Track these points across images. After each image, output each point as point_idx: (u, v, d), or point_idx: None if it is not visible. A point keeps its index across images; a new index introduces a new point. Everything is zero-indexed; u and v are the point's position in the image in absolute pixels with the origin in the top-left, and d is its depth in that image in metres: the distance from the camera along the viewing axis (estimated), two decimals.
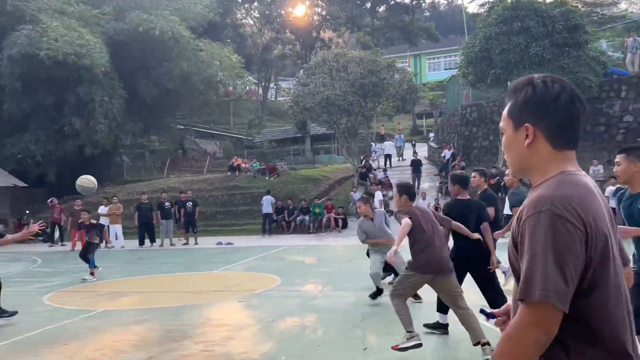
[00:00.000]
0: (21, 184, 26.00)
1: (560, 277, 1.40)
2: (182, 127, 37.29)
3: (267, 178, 25.50)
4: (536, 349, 1.43)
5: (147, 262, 14.07)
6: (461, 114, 26.15)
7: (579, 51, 19.33)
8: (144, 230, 18.90)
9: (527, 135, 1.60)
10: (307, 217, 21.31)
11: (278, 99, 58.69)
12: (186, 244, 18.85)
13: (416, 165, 24.26)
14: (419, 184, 23.84)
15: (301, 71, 27.30)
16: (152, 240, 18.82)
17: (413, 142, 32.53)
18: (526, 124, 1.60)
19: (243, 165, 27.74)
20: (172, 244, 18.65)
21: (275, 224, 21.37)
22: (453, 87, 29.68)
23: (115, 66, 26.40)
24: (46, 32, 23.34)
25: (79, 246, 18.70)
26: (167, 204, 19.14)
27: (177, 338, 6.14)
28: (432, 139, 33.98)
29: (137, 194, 24.29)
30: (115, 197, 20.26)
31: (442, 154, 24.78)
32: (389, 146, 30.56)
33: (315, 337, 6.05)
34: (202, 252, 16.27)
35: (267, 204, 20.90)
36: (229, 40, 45.00)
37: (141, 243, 18.79)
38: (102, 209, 19.42)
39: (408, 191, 5.40)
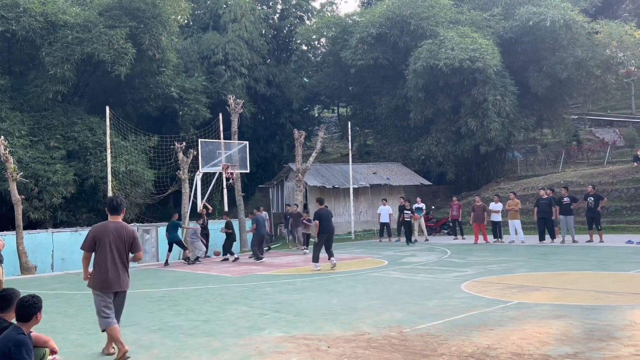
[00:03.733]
0: (426, 182, 29.28)
1: None
2: (575, 116, 35.28)
3: None
4: None
5: (550, 258, 13.99)
6: None
7: None
8: (543, 225, 18.76)
9: None
10: None
11: None
12: (590, 241, 17.86)
13: None
14: None
15: None
16: (552, 237, 18.52)
17: None
18: None
19: None
20: (574, 241, 17.97)
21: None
22: None
23: (506, 64, 27.03)
24: (443, 43, 25.65)
25: (481, 240, 20.02)
26: (565, 199, 18.54)
27: (602, 338, 6.05)
28: None
29: (533, 189, 24.29)
30: (512, 193, 20.73)
31: None
32: None
33: None
34: (609, 251, 15.18)
35: None
36: (627, 15, 40.25)
37: (541, 238, 18.72)
38: (494, 205, 20.17)
39: None
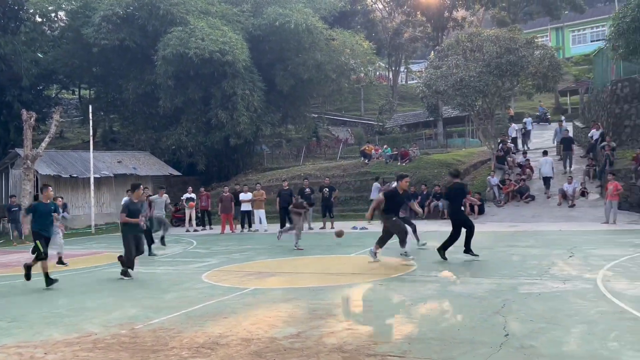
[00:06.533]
0: (176, 172, 28.71)
1: None
2: (315, 115, 38.53)
3: (399, 163, 25.56)
4: None
5: (288, 245, 14.91)
6: (611, 90, 24.03)
7: None
8: (285, 214, 19.96)
9: None
10: (440, 203, 21.07)
11: (409, 82, 58.13)
12: (323, 228, 19.62)
13: (567, 143, 22.81)
14: (570, 163, 22.45)
15: (432, 53, 26.83)
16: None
17: (562, 119, 30.67)
18: None
19: (374, 151, 28.07)
20: (310, 228, 19.52)
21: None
22: (601, 60, 27.29)
23: (255, 60, 28.02)
24: (194, 33, 25.38)
25: (227, 229, 20.41)
26: (307, 190, 20.05)
27: (323, 316, 6.59)
28: (563, 120, 31.60)
29: (277, 181, 25.70)
30: (258, 184, 21.63)
31: (590, 134, 23.03)
32: (510, 130, 28.72)
33: (455, 321, 6.15)
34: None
35: (375, 191, 20.79)
36: (359, 27, 45.40)
37: (282, 227, 19.87)
38: (244, 196, 20.87)
39: None
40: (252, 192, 20.80)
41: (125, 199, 18.37)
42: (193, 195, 22.37)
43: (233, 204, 20.76)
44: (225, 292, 8.46)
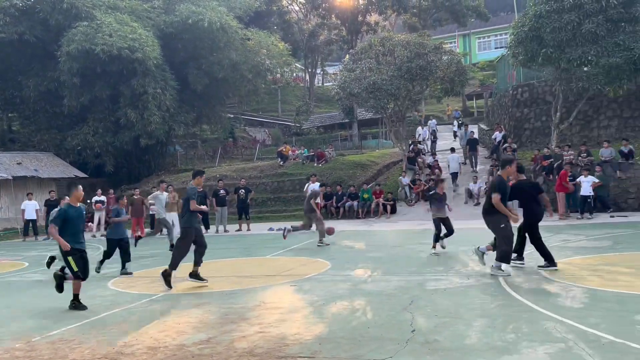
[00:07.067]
0: (82, 174, 27.26)
1: None
2: (231, 115, 38.04)
3: (315, 164, 25.78)
4: None
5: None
6: (512, 95, 25.57)
7: (635, 26, 18.52)
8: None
9: None
10: (355, 203, 21.48)
11: (325, 84, 58.85)
12: (239, 230, 19.40)
13: (473, 144, 23.98)
14: (476, 163, 23.60)
15: (347, 56, 27.31)
16: (207, 227, 19.43)
17: (461, 122, 32.23)
18: None
19: (291, 152, 28.15)
20: (225, 230, 19.23)
21: (324, 210, 21.62)
22: (503, 67, 28.98)
23: (167, 58, 27.21)
24: (101, 28, 24.26)
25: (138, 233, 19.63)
26: (222, 191, 19.74)
27: (235, 320, 6.49)
28: (455, 125, 33.52)
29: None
30: (170, 186, 20.98)
31: (493, 136, 24.36)
32: (424, 132, 29.91)
33: (365, 319, 6.25)
34: (254, 238, 16.73)
35: (310, 190, 21.02)
36: (275, 27, 45.37)
37: (206, 228, 19.43)
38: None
39: None
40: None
41: (156, 193, 17.00)
42: (103, 198, 21.36)
43: (144, 207, 20.02)
44: (133, 299, 8.13)
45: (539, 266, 8.71)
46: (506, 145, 22.22)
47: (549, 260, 8.62)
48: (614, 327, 5.31)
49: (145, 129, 26.28)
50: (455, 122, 34.09)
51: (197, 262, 9.00)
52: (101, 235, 20.60)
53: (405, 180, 22.37)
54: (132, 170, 30.63)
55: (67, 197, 8.77)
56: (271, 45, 31.16)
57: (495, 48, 54.66)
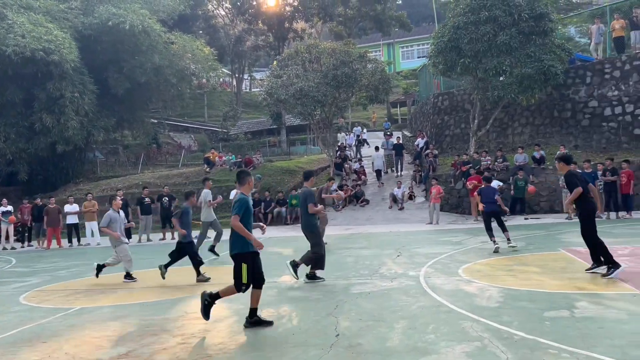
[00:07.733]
0: None
1: None
2: (155, 121, 36.99)
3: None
4: None
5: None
6: (433, 103, 26.52)
7: (544, 39, 19.75)
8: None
9: None
10: (283, 209, 21.48)
11: (252, 90, 58.55)
12: (163, 239, 18.87)
13: (399, 149, 24.62)
14: (401, 167, 24.25)
15: (274, 63, 27.32)
16: (129, 237, 18.75)
17: (389, 134, 32.88)
18: None
19: (218, 158, 27.76)
20: (149, 240, 18.65)
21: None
22: (425, 75, 30.01)
23: (85, 61, 26.09)
24: (12, 28, 22.95)
25: (54, 244, 18.70)
26: (146, 199, 19.14)
27: (156, 332, 6.28)
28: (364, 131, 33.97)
29: (112, 190, 24.15)
30: (89, 194, 20.11)
31: (416, 142, 25.14)
32: (350, 139, 30.37)
33: (290, 325, 6.25)
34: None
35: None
36: (201, 32, 44.68)
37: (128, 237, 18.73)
38: (69, 207, 19.38)
39: None
40: (80, 204, 19.37)
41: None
42: (10, 208, 20.11)
43: (60, 216, 19.11)
44: (47, 314, 7.69)
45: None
46: (428, 151, 22.99)
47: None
48: (526, 324, 5.60)
49: (62, 134, 25.03)
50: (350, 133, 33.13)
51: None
52: (11, 248, 19.43)
53: (333, 186, 22.59)
54: (48, 178, 29.04)
55: None
56: (196, 50, 30.62)
57: (418, 57, 56.50)
